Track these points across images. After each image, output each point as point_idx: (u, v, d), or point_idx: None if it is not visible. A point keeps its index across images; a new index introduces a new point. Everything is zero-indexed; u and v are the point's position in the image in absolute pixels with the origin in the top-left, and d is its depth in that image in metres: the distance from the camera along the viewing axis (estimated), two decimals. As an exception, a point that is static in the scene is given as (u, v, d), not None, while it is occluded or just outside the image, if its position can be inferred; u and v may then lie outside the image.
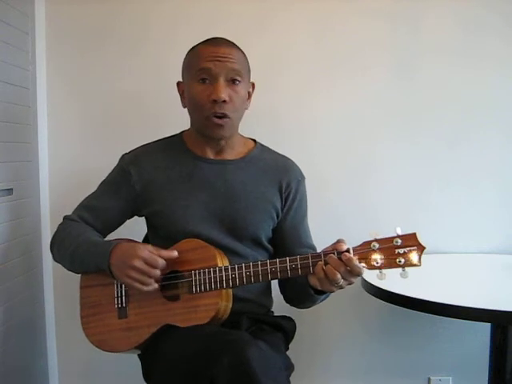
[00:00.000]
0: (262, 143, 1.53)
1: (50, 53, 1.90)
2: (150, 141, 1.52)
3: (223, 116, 1.37)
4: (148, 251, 1.29)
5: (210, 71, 1.35)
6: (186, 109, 1.46)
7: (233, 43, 1.42)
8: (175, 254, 1.31)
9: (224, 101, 1.35)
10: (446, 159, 1.94)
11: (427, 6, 1.90)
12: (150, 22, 1.90)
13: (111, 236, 1.51)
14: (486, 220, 1.95)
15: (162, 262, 1.29)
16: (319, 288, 1.25)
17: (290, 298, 1.49)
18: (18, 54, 1.76)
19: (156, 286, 1.30)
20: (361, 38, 1.90)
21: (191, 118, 1.45)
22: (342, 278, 1.20)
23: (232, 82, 1.37)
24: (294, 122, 1.92)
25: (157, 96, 1.90)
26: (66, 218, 1.51)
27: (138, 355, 1.45)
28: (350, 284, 1.24)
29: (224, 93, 1.35)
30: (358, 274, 1.20)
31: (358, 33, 1.91)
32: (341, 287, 1.23)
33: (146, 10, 1.90)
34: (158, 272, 1.28)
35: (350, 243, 1.24)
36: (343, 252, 1.21)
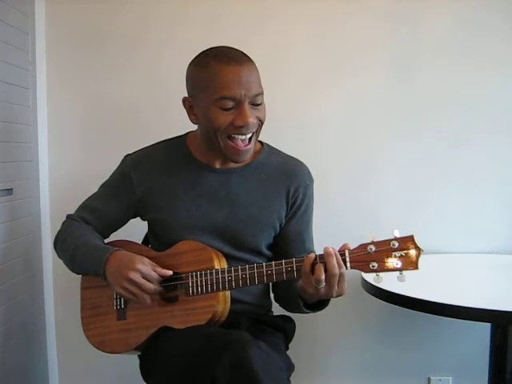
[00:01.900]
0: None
1: (50, 53, 1.90)
2: (150, 141, 1.51)
3: (251, 136, 1.34)
4: (145, 265, 1.30)
5: (235, 98, 1.29)
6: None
7: (248, 57, 1.34)
8: (170, 273, 1.32)
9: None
10: (447, 159, 1.94)
11: (427, 6, 1.90)
12: (149, 22, 1.90)
13: (112, 236, 1.52)
14: (486, 220, 1.95)
15: (156, 277, 1.31)
16: (302, 285, 1.24)
17: (280, 298, 1.49)
18: (18, 54, 1.76)
19: (149, 301, 1.31)
20: (361, 38, 1.90)
21: (205, 134, 1.37)
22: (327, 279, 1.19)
23: (255, 104, 1.33)
24: (293, 122, 1.92)
25: (157, 96, 1.90)
26: (68, 216, 1.51)
27: (138, 355, 1.45)
28: (339, 294, 1.22)
29: (251, 117, 1.30)
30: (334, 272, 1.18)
31: (358, 33, 1.90)
32: (326, 292, 1.22)
33: (145, 9, 1.90)
34: (151, 286, 1.30)
35: (352, 244, 1.22)
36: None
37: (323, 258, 1.20)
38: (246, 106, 1.30)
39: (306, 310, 1.34)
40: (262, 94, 1.34)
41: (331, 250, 1.20)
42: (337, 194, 1.94)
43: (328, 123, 1.93)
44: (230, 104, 1.30)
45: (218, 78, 1.29)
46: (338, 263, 1.19)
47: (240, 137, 1.32)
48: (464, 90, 1.92)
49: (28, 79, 1.83)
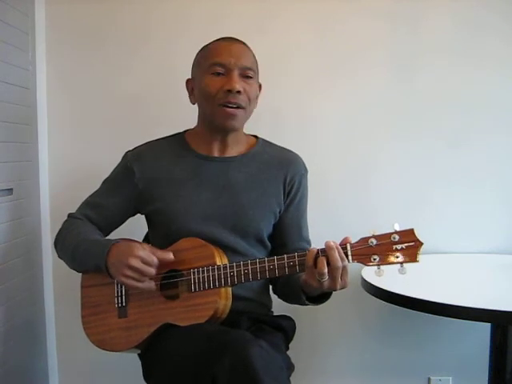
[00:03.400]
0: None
1: (50, 53, 1.90)
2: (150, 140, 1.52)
3: (237, 106, 1.38)
4: (144, 250, 1.30)
5: (225, 65, 1.37)
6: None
7: (246, 44, 1.45)
8: (171, 255, 1.32)
9: (238, 91, 1.37)
10: (447, 159, 1.94)
11: (427, 6, 1.90)
12: (150, 22, 1.90)
13: (112, 235, 1.52)
14: (486, 220, 1.95)
15: (156, 261, 1.30)
16: (306, 278, 1.25)
17: (278, 290, 1.50)
18: (18, 54, 1.76)
19: (153, 284, 1.31)
20: (361, 38, 1.90)
21: (201, 111, 1.45)
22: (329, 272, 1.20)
23: (245, 77, 1.40)
24: (294, 122, 1.92)
25: (157, 96, 1.90)
26: (70, 215, 1.52)
27: (138, 355, 1.45)
28: (342, 286, 1.23)
29: (239, 83, 1.37)
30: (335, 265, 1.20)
31: (358, 33, 1.91)
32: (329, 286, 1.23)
33: (146, 9, 1.90)
34: (152, 270, 1.29)
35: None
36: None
37: (325, 252, 1.21)
38: (235, 73, 1.38)
39: (307, 303, 1.35)
40: (253, 70, 1.41)
41: (333, 243, 1.21)
42: (337, 193, 1.94)
43: (328, 123, 1.93)
44: (221, 70, 1.38)
45: (212, 50, 1.42)
46: (340, 256, 1.21)
47: (229, 104, 1.37)
48: (464, 90, 1.92)
49: (28, 79, 1.83)
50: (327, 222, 1.87)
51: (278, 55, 1.90)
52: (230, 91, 1.36)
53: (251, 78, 1.41)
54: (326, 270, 1.20)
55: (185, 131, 1.53)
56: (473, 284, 1.61)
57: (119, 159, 1.51)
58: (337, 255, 1.20)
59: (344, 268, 1.22)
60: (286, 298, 1.48)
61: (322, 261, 1.21)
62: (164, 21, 1.90)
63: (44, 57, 1.89)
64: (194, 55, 1.47)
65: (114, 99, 1.92)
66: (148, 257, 1.29)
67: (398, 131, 1.94)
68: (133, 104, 1.91)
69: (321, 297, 1.33)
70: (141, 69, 1.91)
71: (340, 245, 1.23)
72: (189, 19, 1.89)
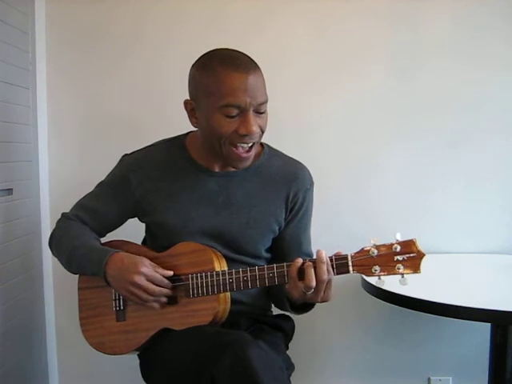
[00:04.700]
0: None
1: (50, 53, 1.90)
2: (150, 140, 1.50)
3: (252, 144, 1.32)
4: (148, 267, 1.30)
5: (240, 106, 1.25)
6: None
7: (254, 63, 1.31)
8: (170, 273, 1.32)
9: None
10: (447, 159, 1.94)
11: (427, 6, 1.90)
12: (150, 22, 1.90)
13: (112, 235, 1.51)
14: (486, 220, 1.95)
15: (161, 279, 1.30)
16: (288, 289, 1.26)
17: (271, 294, 1.50)
18: (18, 54, 1.76)
19: (157, 306, 1.31)
20: (361, 38, 1.90)
21: (208, 142, 1.34)
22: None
23: (259, 112, 1.29)
24: (293, 122, 1.92)
25: (157, 96, 1.90)
26: (63, 215, 1.49)
27: (138, 355, 1.45)
28: (324, 300, 1.24)
29: (255, 126, 1.27)
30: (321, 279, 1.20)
31: (358, 33, 1.90)
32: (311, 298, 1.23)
33: (146, 9, 1.90)
34: (157, 289, 1.29)
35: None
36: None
37: (314, 262, 1.21)
38: (251, 114, 1.27)
39: (291, 311, 1.36)
40: (266, 102, 1.31)
41: (324, 256, 1.20)
42: (337, 194, 1.94)
43: (328, 123, 1.93)
44: (235, 112, 1.26)
45: (223, 84, 1.25)
46: (327, 269, 1.20)
47: (242, 145, 1.30)
48: (464, 90, 1.92)
49: (28, 79, 1.83)
50: (327, 223, 1.87)
51: (278, 55, 1.89)
52: (245, 135, 1.28)
53: (265, 110, 1.31)
54: (314, 284, 1.19)
55: (186, 134, 1.46)
56: (473, 284, 1.61)
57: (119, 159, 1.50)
58: (325, 268, 1.19)
59: (329, 281, 1.21)
60: (275, 303, 1.48)
61: (311, 274, 1.20)
62: (165, 20, 1.90)
63: (44, 57, 1.89)
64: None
65: (115, 99, 1.92)
66: (152, 274, 1.29)
67: (397, 131, 1.94)
68: (133, 104, 1.91)
69: (304, 305, 1.33)
70: (142, 68, 1.91)
71: (336, 256, 1.22)
72: (189, 19, 1.89)
